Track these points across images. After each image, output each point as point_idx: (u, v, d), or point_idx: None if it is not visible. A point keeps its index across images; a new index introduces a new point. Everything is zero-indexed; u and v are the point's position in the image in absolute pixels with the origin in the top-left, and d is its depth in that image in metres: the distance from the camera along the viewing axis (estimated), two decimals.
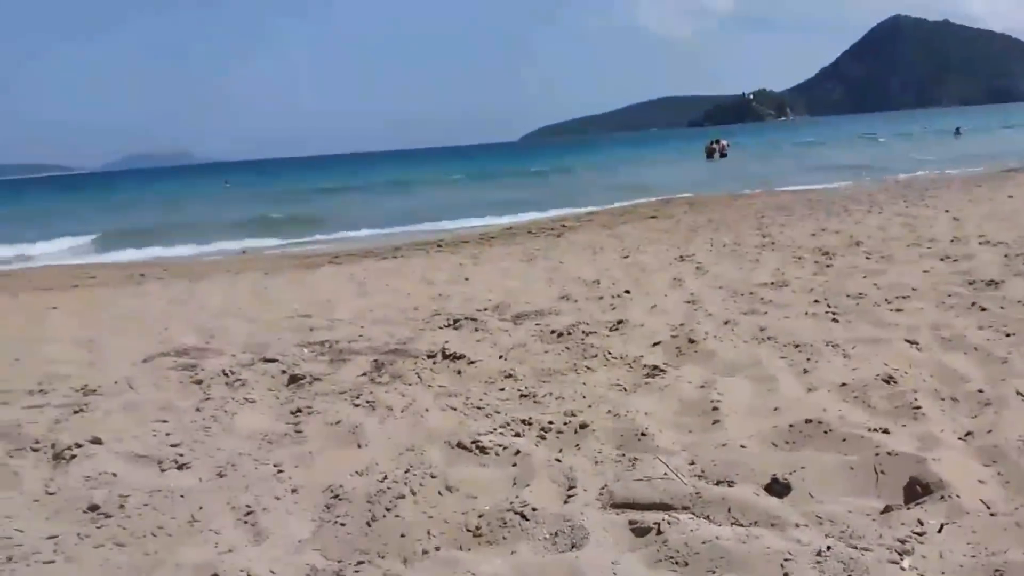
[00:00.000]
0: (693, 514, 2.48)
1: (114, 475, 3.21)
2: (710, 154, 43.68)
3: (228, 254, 15.99)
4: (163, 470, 3.26)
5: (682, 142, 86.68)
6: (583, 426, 3.33)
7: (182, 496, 2.91)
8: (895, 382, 3.59)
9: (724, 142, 45.25)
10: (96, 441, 3.60)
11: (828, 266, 7.05)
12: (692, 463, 2.89)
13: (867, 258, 7.25)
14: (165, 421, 3.93)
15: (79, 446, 3.52)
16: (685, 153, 55.26)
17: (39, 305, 8.98)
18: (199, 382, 4.67)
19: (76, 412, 4.20)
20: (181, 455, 3.37)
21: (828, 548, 2.15)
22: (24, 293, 10.75)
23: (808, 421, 3.12)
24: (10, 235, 22.06)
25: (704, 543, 2.23)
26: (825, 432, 3.04)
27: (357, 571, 2.29)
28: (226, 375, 4.75)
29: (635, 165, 47.68)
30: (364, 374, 4.67)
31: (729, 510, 2.47)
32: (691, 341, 4.64)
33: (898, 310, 5.05)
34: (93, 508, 2.88)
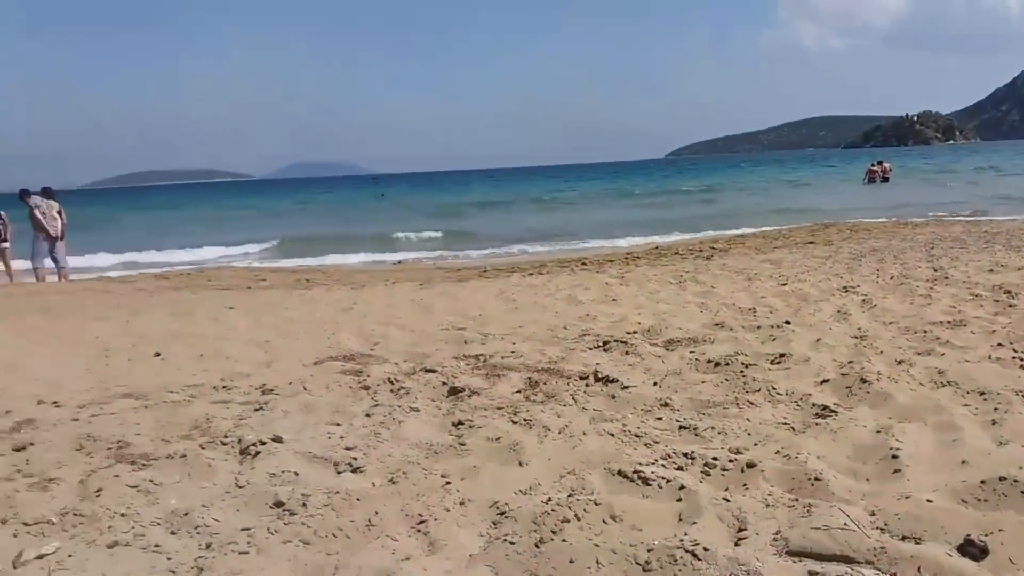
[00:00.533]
0: (878, 570, 2.36)
1: (296, 474, 3.42)
2: (871, 178, 41.32)
3: (385, 264, 16.75)
4: (339, 472, 3.44)
5: (840, 163, 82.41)
6: (750, 465, 3.23)
7: (359, 499, 3.07)
8: None
9: (887, 165, 42.69)
10: (278, 439, 3.86)
11: (1011, 306, 6.49)
12: (873, 514, 2.73)
13: None
14: (338, 424, 4.16)
15: (263, 443, 3.78)
16: (844, 175, 52.54)
17: (218, 304, 9.76)
18: (366, 388, 4.91)
19: (257, 410, 4.52)
20: (355, 459, 3.55)
21: None
22: (204, 292, 11.72)
23: (1003, 479, 2.88)
24: (187, 239, 24.10)
25: None
26: (1022, 492, 2.81)
27: None
28: (391, 382, 4.97)
29: (789, 187, 45.86)
30: (519, 391, 4.75)
31: (919, 569, 2.33)
32: (863, 381, 4.40)
33: None
34: (278, 504, 3.08)
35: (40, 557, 2.66)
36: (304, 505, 3.03)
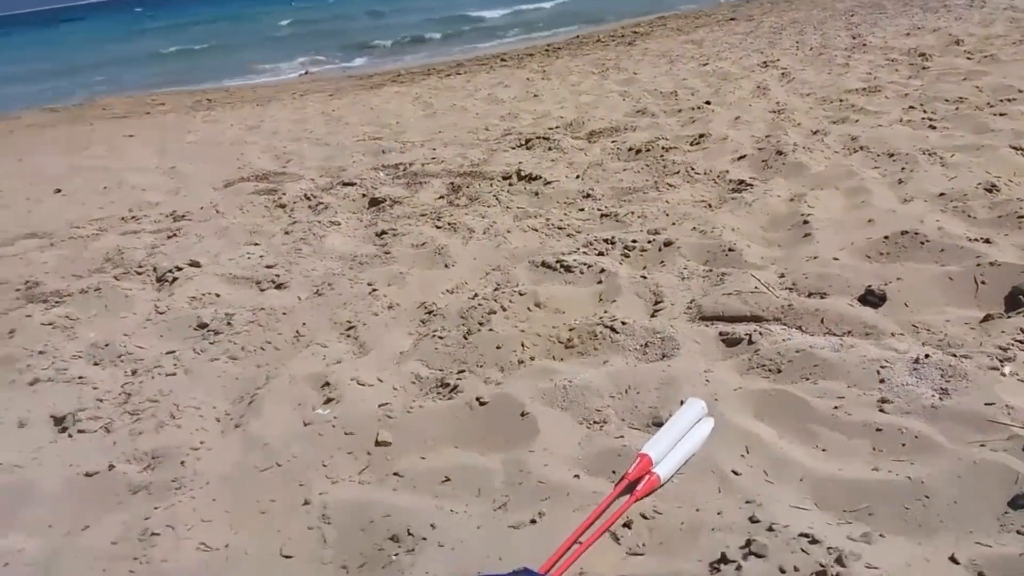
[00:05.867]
0: (785, 325, 2.49)
1: (217, 295, 3.38)
2: None
3: (290, 76, 15.82)
4: (262, 290, 3.41)
5: None
6: (668, 243, 3.30)
7: (284, 313, 3.06)
8: (998, 190, 3.41)
9: None
10: (195, 264, 3.77)
11: (924, 68, 6.55)
12: (782, 276, 2.85)
13: (968, 58, 6.69)
14: (257, 244, 4.07)
15: (179, 269, 3.70)
16: None
17: (115, 134, 9.18)
18: (283, 206, 4.77)
19: (170, 237, 4.38)
20: (277, 276, 3.51)
21: (926, 356, 2.14)
22: (99, 122, 10.96)
23: (904, 233, 3.01)
24: (66, 69, 22.19)
25: (798, 352, 2.25)
26: (922, 243, 2.94)
27: (459, 379, 2.40)
28: (308, 199, 4.84)
29: None
30: (442, 197, 4.69)
31: (822, 321, 2.47)
32: (779, 153, 4.46)
33: (1001, 114, 4.71)
34: (202, 326, 3.06)
35: None
36: (229, 324, 3.01)
